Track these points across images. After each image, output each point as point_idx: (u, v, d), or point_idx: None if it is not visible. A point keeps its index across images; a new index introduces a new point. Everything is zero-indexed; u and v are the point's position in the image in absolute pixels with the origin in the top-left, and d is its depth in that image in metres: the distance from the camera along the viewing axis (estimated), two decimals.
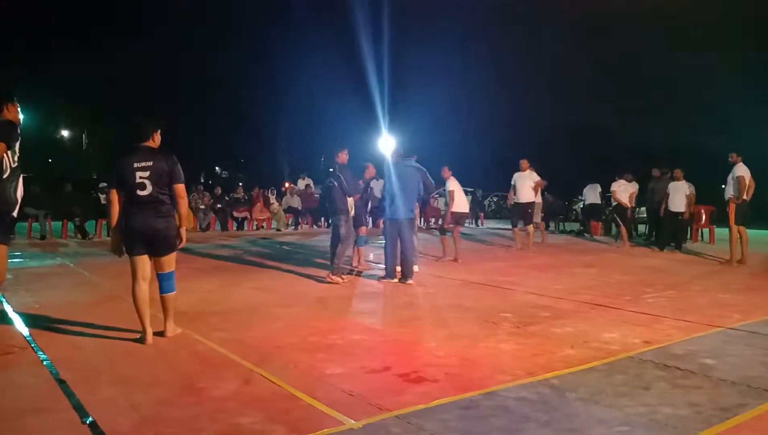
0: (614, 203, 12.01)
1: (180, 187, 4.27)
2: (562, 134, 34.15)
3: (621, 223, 11.80)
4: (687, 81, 30.82)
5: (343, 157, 7.30)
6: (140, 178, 4.13)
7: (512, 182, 11.01)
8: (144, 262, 4.27)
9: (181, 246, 4.39)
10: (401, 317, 5.40)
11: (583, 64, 34.02)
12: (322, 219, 16.52)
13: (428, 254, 9.99)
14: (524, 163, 10.96)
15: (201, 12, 41.33)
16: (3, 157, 4.01)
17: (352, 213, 7.41)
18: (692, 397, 3.27)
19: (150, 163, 4.16)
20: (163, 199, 4.21)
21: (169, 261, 4.32)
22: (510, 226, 11.26)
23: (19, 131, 4.17)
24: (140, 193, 4.14)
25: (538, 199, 11.77)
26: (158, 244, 4.24)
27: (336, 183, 7.14)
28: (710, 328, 4.86)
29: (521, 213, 10.92)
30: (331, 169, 7.31)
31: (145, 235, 4.18)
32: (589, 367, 3.80)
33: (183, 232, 4.36)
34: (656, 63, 34.69)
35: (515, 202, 10.99)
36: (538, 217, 12.12)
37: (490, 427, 2.84)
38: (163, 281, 4.33)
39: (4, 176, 4.06)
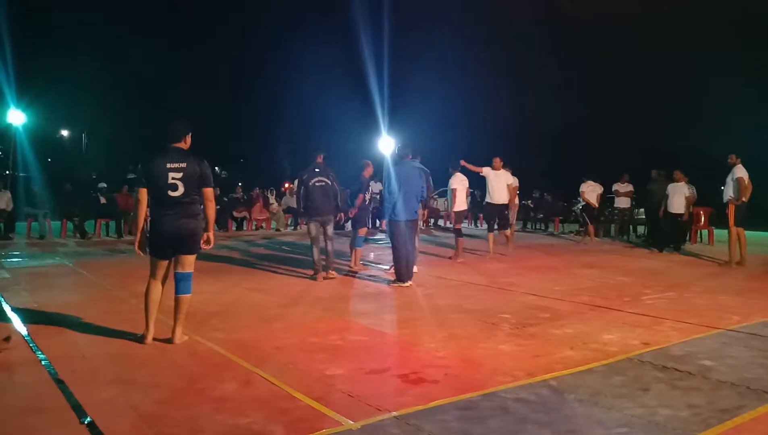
0: (583, 202, 12.53)
1: (209, 191, 4.30)
2: (563, 135, 34.15)
3: (588, 222, 12.56)
4: (687, 81, 30.86)
5: (320, 160, 7.36)
6: (173, 179, 4.14)
7: (484, 175, 9.83)
8: (165, 265, 4.30)
9: (210, 247, 4.38)
10: (401, 318, 5.40)
11: (584, 64, 34.04)
12: None
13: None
14: (498, 161, 9.85)
15: (200, 12, 41.35)
16: None
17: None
18: (691, 398, 3.27)
19: (183, 165, 4.17)
20: (193, 200, 4.23)
21: (191, 261, 4.33)
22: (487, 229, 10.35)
23: None
24: (171, 194, 4.15)
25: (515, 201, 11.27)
26: (185, 242, 4.24)
27: (332, 182, 7.13)
28: (709, 330, 4.86)
29: (496, 215, 10.06)
30: (317, 170, 7.25)
31: (173, 235, 4.18)
32: (588, 368, 3.81)
33: (212, 235, 4.35)
34: (656, 64, 34.74)
35: (488, 203, 9.95)
36: (513, 219, 11.75)
37: (489, 428, 2.85)
38: (181, 281, 4.30)
39: None
